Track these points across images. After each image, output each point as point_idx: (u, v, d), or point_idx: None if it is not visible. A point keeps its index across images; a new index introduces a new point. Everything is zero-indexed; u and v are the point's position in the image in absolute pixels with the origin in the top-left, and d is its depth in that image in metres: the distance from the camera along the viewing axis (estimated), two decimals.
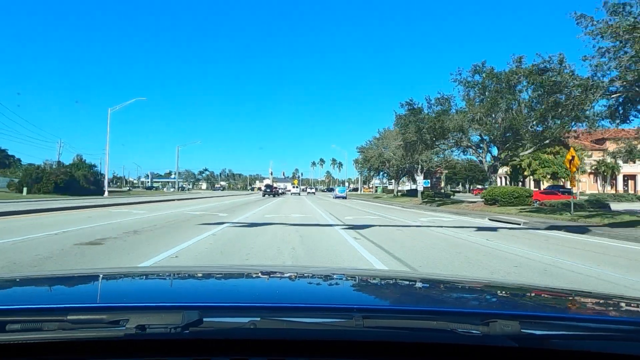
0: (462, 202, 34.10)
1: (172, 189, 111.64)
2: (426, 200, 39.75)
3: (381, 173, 63.60)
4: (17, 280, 1.98)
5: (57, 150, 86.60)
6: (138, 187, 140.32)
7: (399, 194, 64.24)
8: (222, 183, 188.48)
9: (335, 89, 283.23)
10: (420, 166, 44.04)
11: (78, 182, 60.77)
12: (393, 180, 66.12)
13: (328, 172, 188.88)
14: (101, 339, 1.09)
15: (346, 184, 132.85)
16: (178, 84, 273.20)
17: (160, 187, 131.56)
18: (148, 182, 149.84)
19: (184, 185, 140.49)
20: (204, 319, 1.08)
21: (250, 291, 1.79)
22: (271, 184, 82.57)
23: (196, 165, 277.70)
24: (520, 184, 59.71)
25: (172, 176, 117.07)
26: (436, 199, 41.86)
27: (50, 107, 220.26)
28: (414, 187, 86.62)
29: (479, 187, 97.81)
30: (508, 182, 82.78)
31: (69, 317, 1.09)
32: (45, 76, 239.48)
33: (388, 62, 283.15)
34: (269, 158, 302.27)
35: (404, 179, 72.07)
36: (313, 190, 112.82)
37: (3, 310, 1.20)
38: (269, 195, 63.47)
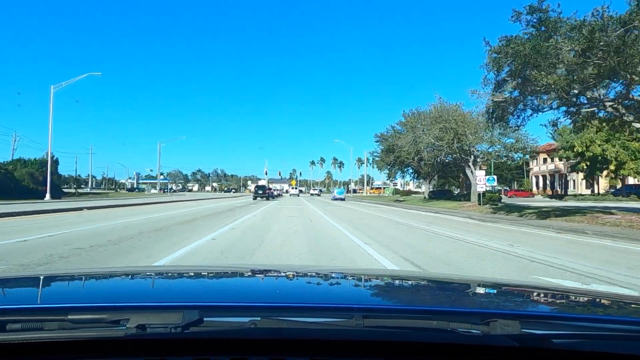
0: (574, 211, 20.57)
1: (152, 190, 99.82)
2: (489, 206, 26.84)
3: (407, 169, 49.01)
4: (18, 279, 2.03)
5: (12, 145, 73.88)
6: (123, 188, 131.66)
7: (422, 196, 51.32)
8: (214, 184, 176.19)
9: (335, 89, 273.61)
10: (473, 157, 30.81)
11: (20, 182, 48.88)
12: (422, 180, 52.20)
13: (328, 172, 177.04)
14: (102, 339, 1.08)
15: (351, 184, 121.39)
16: (178, 84, 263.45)
17: (147, 188, 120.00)
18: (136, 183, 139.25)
19: (172, 187, 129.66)
20: (205, 319, 1.08)
21: (250, 291, 1.78)
22: (265, 184, 69.28)
23: (193, 166, 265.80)
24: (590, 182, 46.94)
25: (161, 177, 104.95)
26: (499, 204, 29.21)
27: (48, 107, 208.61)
28: (424, 188, 73.37)
29: (507, 188, 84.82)
30: (549, 183, 70.08)
31: (69, 317, 1.07)
32: (46, 76, 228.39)
33: (388, 62, 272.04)
34: (268, 158, 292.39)
35: (421, 179, 58.01)
36: (317, 192, 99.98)
37: (3, 309, 1.17)
38: (260, 198, 49.79)
